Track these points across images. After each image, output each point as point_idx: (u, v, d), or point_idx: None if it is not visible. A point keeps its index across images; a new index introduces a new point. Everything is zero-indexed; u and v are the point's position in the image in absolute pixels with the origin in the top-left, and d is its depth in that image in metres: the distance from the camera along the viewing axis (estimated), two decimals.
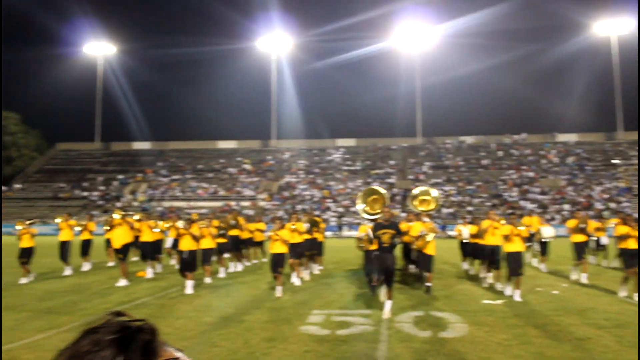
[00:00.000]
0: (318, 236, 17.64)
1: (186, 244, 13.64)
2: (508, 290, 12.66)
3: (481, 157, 60.15)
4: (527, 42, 78.35)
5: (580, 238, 15.55)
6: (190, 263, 13.54)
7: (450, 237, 19.36)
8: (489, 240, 13.87)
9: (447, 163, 59.69)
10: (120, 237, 15.17)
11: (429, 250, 13.40)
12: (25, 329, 9.19)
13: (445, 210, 49.16)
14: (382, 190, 13.33)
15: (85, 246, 18.88)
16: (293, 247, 14.55)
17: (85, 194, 58.46)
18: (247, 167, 62.38)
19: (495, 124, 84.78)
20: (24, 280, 15.26)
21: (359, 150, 64.43)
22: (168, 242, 18.77)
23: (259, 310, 10.93)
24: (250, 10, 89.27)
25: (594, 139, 62.11)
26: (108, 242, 18.86)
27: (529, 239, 17.18)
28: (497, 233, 13.41)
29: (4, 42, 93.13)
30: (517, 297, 11.90)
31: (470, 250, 16.89)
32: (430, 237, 13.24)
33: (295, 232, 14.76)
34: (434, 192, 16.30)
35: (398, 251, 12.67)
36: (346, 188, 55.27)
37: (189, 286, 13.27)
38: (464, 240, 17.58)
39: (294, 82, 72.49)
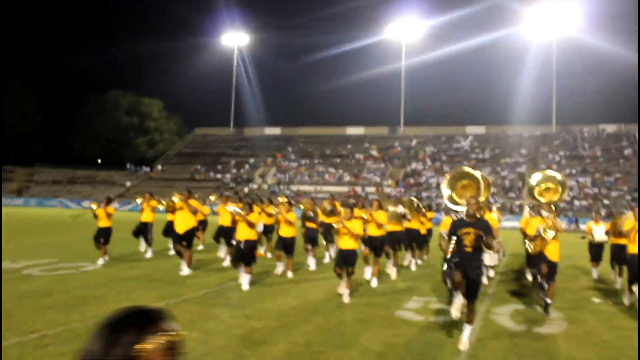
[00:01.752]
0: (416, 225, 15.07)
1: (242, 233, 11.61)
2: None
3: (623, 147, 56.38)
4: None
5: None
6: (246, 254, 11.52)
7: (582, 232, 15.35)
8: (633, 247, 10.48)
9: (583, 153, 56.58)
10: (183, 222, 13.24)
11: (551, 255, 9.92)
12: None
13: (578, 203, 46.81)
14: (477, 174, 10.48)
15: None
16: (370, 240, 12.81)
17: (218, 176, 61.82)
18: (374, 153, 62.84)
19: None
20: (100, 262, 14.18)
21: (488, 138, 62.73)
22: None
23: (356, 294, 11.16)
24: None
25: None
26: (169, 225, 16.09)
27: None
28: None
29: (149, 33, 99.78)
30: None
31: (613, 254, 13.52)
32: (550, 234, 9.78)
33: (369, 222, 12.52)
34: (560, 177, 12.14)
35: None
36: None
37: (244, 281, 11.40)
38: (597, 241, 14.47)
39: (424, 68, 71.89)
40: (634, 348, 7.78)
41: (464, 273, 7.57)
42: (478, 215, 8.03)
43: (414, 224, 15.00)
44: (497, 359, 7.19)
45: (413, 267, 15.30)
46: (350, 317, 9.14)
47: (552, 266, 9.91)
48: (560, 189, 11.62)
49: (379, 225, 12.63)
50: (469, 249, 7.63)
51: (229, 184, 59.56)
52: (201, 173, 63.26)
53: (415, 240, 15.35)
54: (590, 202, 46.63)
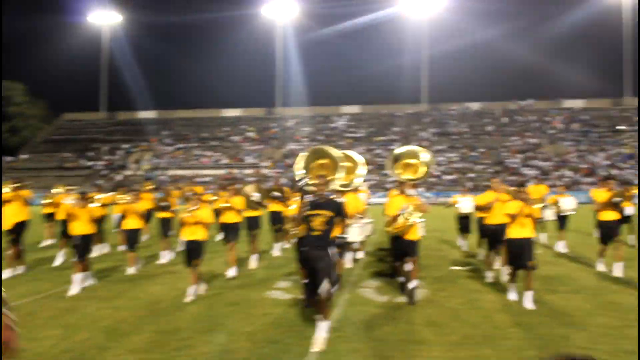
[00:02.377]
0: (278, 208, 14.40)
1: (78, 227, 10.23)
2: (512, 293, 9.11)
3: (485, 124, 59.82)
4: (535, 8, 77.14)
5: (612, 216, 11.41)
6: (82, 250, 10.23)
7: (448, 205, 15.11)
8: (494, 218, 10.38)
9: (451, 130, 59.43)
10: (11, 215, 11.89)
11: (411, 235, 9.06)
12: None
13: (446, 177, 49.18)
14: (334, 152, 9.52)
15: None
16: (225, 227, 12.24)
17: (90, 163, 58.91)
18: (251, 135, 62.50)
19: (502, 90, 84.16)
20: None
21: (363, 118, 64.25)
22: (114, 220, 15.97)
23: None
24: None
25: (600, 105, 61.43)
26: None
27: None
28: (503, 210, 9.51)
29: (9, 11, 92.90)
30: (529, 304, 8.44)
31: (475, 227, 12.87)
32: (412, 218, 8.91)
33: (225, 210, 12.09)
34: (424, 155, 11.22)
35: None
36: None
37: (76, 283, 10.04)
38: (462, 213, 14.51)
39: (299, 50, 72.14)
40: (484, 309, 8.23)
41: (310, 263, 7.02)
42: (333, 196, 7.43)
43: (276, 207, 14.40)
44: (360, 328, 7.34)
45: (277, 252, 14.63)
46: (221, 301, 9.03)
47: (414, 246, 9.07)
48: (420, 168, 10.93)
49: (237, 211, 12.17)
50: (317, 233, 6.99)
51: (101, 171, 56.97)
52: (71, 160, 59.97)
53: (279, 223, 14.40)
54: (458, 176, 49.12)
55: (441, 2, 63.72)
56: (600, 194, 11.61)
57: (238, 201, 12.24)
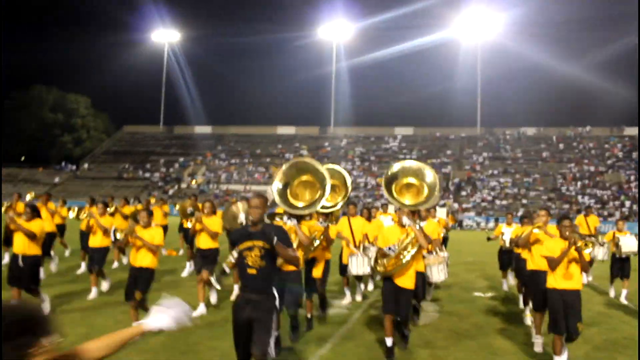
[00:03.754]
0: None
1: (20, 245, 8.60)
2: (538, 346, 7.69)
3: (541, 150, 58.79)
4: (594, 31, 75.69)
5: None
6: (28, 274, 8.60)
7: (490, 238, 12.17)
8: (533, 261, 8.17)
9: (504, 154, 58.68)
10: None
11: (404, 280, 7.11)
12: None
13: (498, 202, 48.60)
14: (319, 166, 7.87)
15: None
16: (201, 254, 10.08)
17: (147, 175, 60.77)
18: (304, 152, 63.16)
19: (558, 115, 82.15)
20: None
21: (416, 139, 64.11)
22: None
23: None
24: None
25: None
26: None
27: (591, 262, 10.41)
28: (540, 251, 7.47)
29: (78, 29, 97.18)
30: None
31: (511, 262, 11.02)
32: (409, 254, 7.01)
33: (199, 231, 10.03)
34: (429, 175, 7.95)
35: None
36: None
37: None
38: (508, 247, 11.38)
39: (353, 70, 72.76)
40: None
41: (240, 316, 5.18)
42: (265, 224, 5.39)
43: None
44: None
45: None
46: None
47: (405, 296, 7.14)
48: (426, 190, 7.79)
49: (212, 235, 9.87)
50: (252, 272, 5.17)
51: (157, 183, 58.68)
52: (129, 172, 62.02)
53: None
54: (510, 202, 48.45)
55: (496, 25, 63.31)
56: None
57: (215, 222, 10.05)
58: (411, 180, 7.91)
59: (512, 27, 65.72)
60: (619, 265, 11.77)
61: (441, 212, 11.25)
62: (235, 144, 67.13)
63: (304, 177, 7.75)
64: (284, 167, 7.91)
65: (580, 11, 69.61)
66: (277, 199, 7.54)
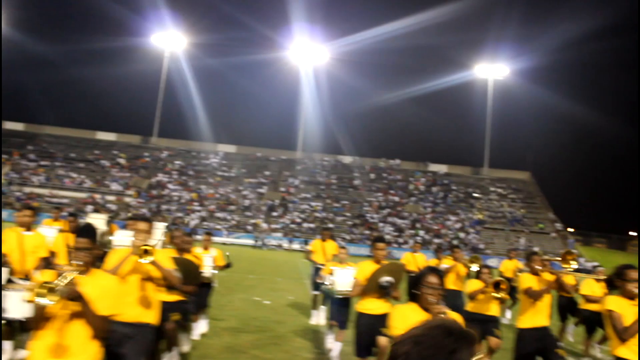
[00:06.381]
0: None
1: None
2: None
3: (353, 177, 62.07)
4: (413, 75, 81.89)
5: None
6: None
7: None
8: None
9: (320, 179, 61.12)
10: None
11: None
12: None
13: (306, 225, 50.48)
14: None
15: None
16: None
17: None
18: (122, 161, 61.18)
19: (374, 147, 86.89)
20: None
21: (237, 157, 64.69)
22: None
23: None
24: (142, 7, 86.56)
25: (461, 172, 65.57)
26: None
27: None
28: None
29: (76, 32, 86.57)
30: None
31: None
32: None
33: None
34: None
35: None
36: (216, 193, 55.56)
37: None
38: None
39: (184, 81, 71.48)
40: None
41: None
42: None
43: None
44: None
45: None
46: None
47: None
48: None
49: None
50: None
51: None
52: None
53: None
54: (317, 225, 50.51)
55: (326, 54, 65.99)
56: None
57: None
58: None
59: (341, 55, 68.65)
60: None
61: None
62: (48, 145, 63.34)
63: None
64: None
65: (402, 55, 74.71)
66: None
